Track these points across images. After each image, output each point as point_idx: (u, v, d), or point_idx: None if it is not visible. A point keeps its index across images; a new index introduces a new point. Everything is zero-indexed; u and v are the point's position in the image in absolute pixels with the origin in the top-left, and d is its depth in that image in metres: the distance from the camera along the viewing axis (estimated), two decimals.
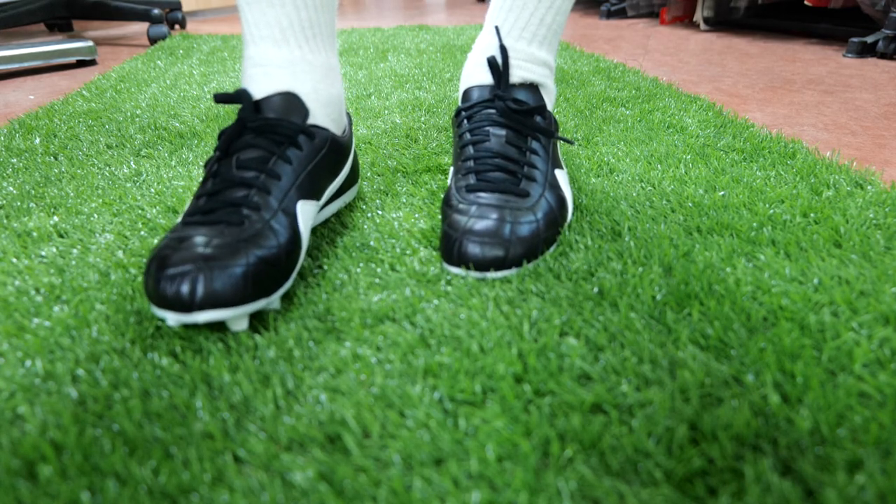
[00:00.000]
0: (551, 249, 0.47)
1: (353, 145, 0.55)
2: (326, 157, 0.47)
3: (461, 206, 0.45)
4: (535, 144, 0.50)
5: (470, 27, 1.83)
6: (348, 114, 0.56)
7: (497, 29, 0.52)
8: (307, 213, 0.45)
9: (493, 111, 0.51)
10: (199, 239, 0.37)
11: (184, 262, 0.35)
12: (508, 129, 0.50)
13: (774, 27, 1.69)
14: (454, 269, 0.43)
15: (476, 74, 0.53)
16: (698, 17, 1.80)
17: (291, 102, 0.45)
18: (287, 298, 0.41)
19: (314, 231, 0.51)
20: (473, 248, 0.42)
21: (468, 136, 0.51)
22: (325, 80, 0.48)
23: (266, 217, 0.40)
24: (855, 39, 1.29)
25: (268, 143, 0.43)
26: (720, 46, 1.49)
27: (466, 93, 0.53)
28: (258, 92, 0.45)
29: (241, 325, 0.37)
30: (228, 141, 0.43)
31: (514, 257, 0.43)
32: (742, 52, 1.40)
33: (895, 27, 1.25)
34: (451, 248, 0.43)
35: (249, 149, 0.43)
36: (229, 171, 0.42)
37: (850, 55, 1.30)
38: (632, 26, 1.91)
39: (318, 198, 0.47)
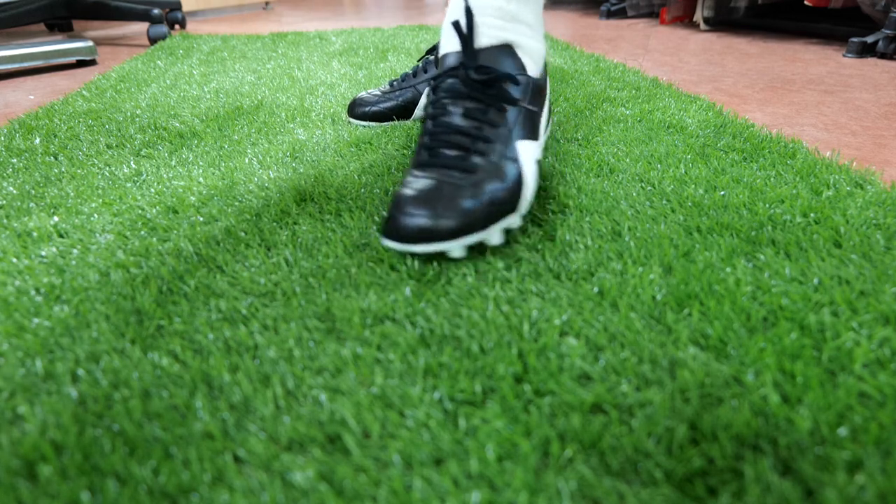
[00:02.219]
0: (499, 226, 0.45)
1: None
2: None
3: (407, 179, 0.46)
4: (495, 115, 0.48)
5: None
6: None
7: None
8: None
9: (455, 80, 0.49)
10: None
11: None
12: (470, 99, 0.48)
13: (774, 27, 1.69)
14: (387, 243, 0.43)
15: (447, 41, 0.51)
16: (698, 17, 1.80)
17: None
18: (287, 298, 0.41)
19: (314, 228, 0.51)
20: (406, 220, 0.42)
21: (430, 108, 0.50)
22: None
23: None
24: (855, 39, 1.29)
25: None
26: (720, 46, 1.49)
27: (440, 61, 0.52)
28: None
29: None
30: None
31: (444, 229, 0.42)
32: (742, 52, 1.40)
33: (895, 27, 1.25)
34: (386, 221, 0.43)
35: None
36: None
37: (850, 55, 1.30)
38: (632, 26, 1.91)
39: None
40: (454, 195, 0.43)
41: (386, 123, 0.80)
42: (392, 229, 0.42)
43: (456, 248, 0.43)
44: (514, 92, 0.49)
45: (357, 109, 0.81)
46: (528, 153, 0.49)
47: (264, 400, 0.32)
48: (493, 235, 0.45)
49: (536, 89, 0.51)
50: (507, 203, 0.45)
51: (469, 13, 0.47)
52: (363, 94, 0.82)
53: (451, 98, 0.48)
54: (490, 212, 0.44)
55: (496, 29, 0.49)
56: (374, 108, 0.80)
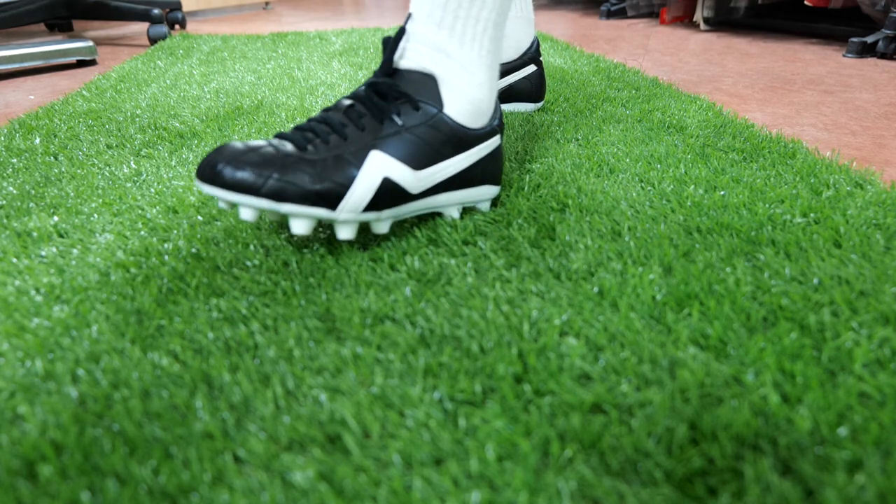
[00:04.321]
0: (295, 207, 0.42)
1: None
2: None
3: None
4: (367, 122, 0.46)
5: None
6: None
7: (410, 14, 0.49)
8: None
9: (362, 87, 0.48)
10: None
11: None
12: (358, 101, 0.48)
13: (774, 27, 1.69)
14: (197, 179, 0.43)
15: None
16: (698, 17, 1.80)
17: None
18: (287, 298, 0.41)
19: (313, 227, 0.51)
20: (208, 157, 0.42)
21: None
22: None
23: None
24: (855, 39, 1.29)
25: None
26: (720, 46, 1.49)
27: None
28: None
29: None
30: None
31: (227, 177, 0.41)
32: (742, 52, 1.40)
33: (895, 27, 1.25)
34: (206, 156, 0.43)
35: None
36: None
37: (850, 55, 1.30)
38: (632, 26, 1.91)
39: None
40: (262, 157, 0.42)
41: None
42: (199, 167, 0.42)
43: (242, 203, 0.41)
44: (405, 115, 0.47)
45: None
46: (377, 165, 0.45)
47: (264, 400, 0.32)
48: (295, 221, 0.43)
49: (443, 128, 0.48)
50: (306, 192, 0.42)
51: (401, 32, 0.48)
52: None
53: (350, 98, 0.48)
54: (280, 187, 0.41)
55: (423, 56, 0.48)
56: None
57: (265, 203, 0.41)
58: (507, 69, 0.84)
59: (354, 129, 0.46)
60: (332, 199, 0.43)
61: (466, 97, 0.49)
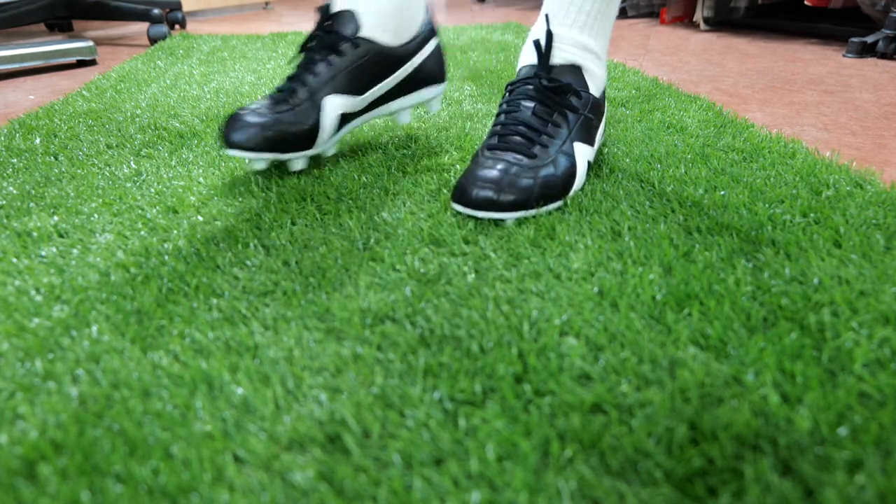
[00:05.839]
0: (548, 208, 0.54)
1: (426, 52, 0.69)
2: (368, 63, 0.63)
3: (478, 158, 0.55)
4: (558, 118, 0.58)
5: (470, 27, 1.83)
6: (431, 25, 0.69)
7: (546, 16, 0.60)
8: (337, 104, 0.62)
9: (529, 87, 0.59)
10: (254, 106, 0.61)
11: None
12: (538, 102, 0.58)
13: (774, 27, 1.69)
14: (457, 207, 0.52)
15: (526, 56, 0.62)
16: (698, 17, 1.80)
17: (346, 17, 0.62)
18: (287, 298, 0.41)
19: (314, 228, 0.51)
20: (473, 190, 0.51)
21: (504, 105, 0.60)
22: None
23: (298, 101, 0.61)
24: (855, 39, 1.29)
25: (319, 49, 0.62)
26: (720, 46, 1.49)
27: (519, 71, 0.63)
28: (332, 8, 0.64)
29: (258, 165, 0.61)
30: (301, 46, 0.64)
31: (505, 202, 0.51)
32: (742, 52, 1.40)
33: (895, 27, 1.25)
34: (457, 189, 0.53)
35: (308, 52, 0.63)
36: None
37: (850, 55, 1.30)
38: (632, 26, 1.91)
39: (358, 92, 0.63)
40: (516, 176, 0.52)
41: (282, 156, 0.60)
42: (463, 197, 0.52)
43: (510, 219, 0.52)
44: (576, 103, 0.59)
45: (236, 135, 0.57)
46: (581, 153, 0.58)
47: (264, 400, 0.32)
48: (542, 214, 0.53)
49: (595, 105, 0.61)
50: (558, 189, 0.54)
51: (549, 35, 0.58)
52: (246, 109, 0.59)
53: (525, 98, 0.58)
54: (543, 194, 0.52)
55: (569, 53, 0.59)
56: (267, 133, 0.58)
57: (528, 213, 0.52)
58: (409, 51, 0.67)
59: (554, 128, 0.57)
60: (571, 185, 0.56)
61: (600, 78, 0.62)
